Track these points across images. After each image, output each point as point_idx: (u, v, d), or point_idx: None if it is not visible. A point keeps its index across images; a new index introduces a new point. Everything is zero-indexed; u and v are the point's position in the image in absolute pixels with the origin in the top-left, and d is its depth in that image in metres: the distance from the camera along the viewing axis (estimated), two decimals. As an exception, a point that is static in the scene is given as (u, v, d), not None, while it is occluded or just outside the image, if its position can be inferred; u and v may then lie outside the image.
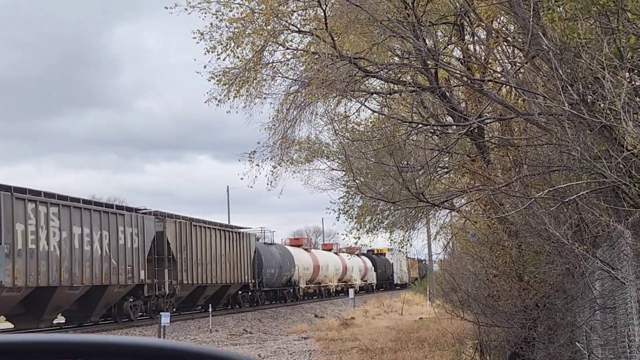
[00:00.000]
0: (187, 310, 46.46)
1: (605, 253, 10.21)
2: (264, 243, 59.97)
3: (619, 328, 9.71)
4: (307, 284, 66.49)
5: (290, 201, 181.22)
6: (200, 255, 44.86)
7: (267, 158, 19.04)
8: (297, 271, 63.14)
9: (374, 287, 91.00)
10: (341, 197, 25.46)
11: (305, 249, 70.60)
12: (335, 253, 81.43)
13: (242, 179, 19.21)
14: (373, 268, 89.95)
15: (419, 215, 24.07)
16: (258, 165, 18.94)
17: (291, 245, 69.34)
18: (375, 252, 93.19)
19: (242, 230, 54.23)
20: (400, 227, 26.44)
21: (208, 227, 47.18)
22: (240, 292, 52.76)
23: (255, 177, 19.02)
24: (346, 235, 26.45)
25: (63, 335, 2.39)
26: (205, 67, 17.14)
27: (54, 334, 2.43)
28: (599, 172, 8.88)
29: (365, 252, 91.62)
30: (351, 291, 56.36)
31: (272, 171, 19.35)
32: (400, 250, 38.07)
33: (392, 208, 21.63)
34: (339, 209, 25.15)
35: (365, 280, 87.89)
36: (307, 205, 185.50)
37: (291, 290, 63.07)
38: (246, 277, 52.07)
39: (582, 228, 11.18)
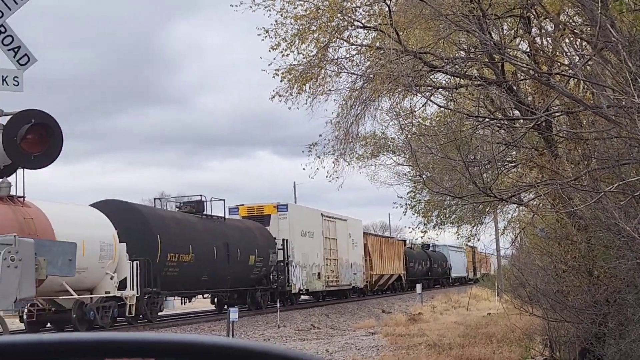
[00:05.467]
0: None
1: (677, 247, 10.04)
2: None
3: (692, 324, 9.54)
4: None
5: (356, 196, 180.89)
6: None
7: (330, 152, 19.17)
8: None
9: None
10: (408, 192, 25.47)
11: None
12: None
13: (304, 169, 19.44)
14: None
15: (487, 210, 23.93)
16: (319, 157, 19.11)
17: None
18: (254, 211, 43.83)
19: None
20: (468, 222, 26.33)
21: None
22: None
23: (317, 169, 19.20)
24: (413, 229, 26.46)
25: (135, 333, 2.42)
26: (270, 64, 17.25)
27: (122, 333, 2.46)
28: (670, 166, 8.74)
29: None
30: (418, 286, 53.91)
31: (333, 163, 19.47)
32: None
33: (459, 203, 21.51)
34: (406, 204, 25.17)
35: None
36: (374, 200, 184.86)
37: None
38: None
39: (653, 222, 11.01)
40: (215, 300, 41.19)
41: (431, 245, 78.66)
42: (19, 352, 2.13)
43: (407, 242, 74.28)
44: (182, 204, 39.52)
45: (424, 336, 25.50)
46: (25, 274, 8.94)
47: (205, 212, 38.35)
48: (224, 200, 41.49)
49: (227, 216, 41.96)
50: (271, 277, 42.61)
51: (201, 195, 39.47)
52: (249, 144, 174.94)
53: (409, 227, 27.66)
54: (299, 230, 45.57)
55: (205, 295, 40.89)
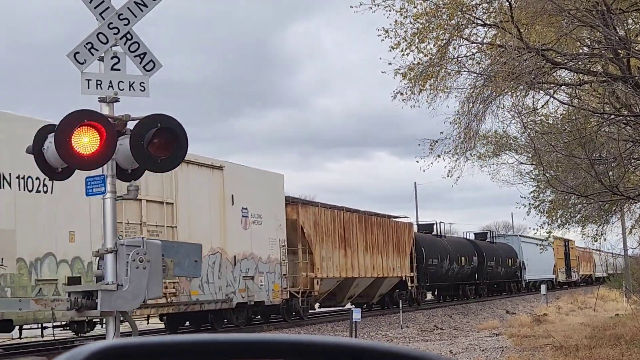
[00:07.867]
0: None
1: None
2: None
3: None
4: None
5: (476, 196, 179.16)
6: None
7: (449, 151, 19.01)
8: None
9: None
10: (531, 192, 25.08)
11: None
12: None
13: (417, 161, 19.38)
14: None
15: (613, 208, 23.38)
16: (439, 157, 18.98)
17: None
18: None
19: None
20: (594, 221, 25.80)
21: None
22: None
23: (431, 163, 19.11)
24: (537, 230, 26.05)
25: (267, 335, 2.46)
26: (390, 64, 17.26)
27: (254, 334, 2.49)
28: None
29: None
30: (543, 287, 52.78)
31: (450, 160, 19.32)
32: None
33: (584, 202, 21.08)
34: (529, 204, 24.79)
35: None
36: (495, 200, 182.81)
37: None
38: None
39: None
40: None
41: (490, 233, 57.05)
42: (145, 352, 2.18)
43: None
44: None
45: (549, 337, 25.07)
46: (153, 275, 9.16)
47: None
48: None
49: None
50: None
51: None
52: (368, 144, 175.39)
53: (532, 228, 27.28)
54: None
55: None
